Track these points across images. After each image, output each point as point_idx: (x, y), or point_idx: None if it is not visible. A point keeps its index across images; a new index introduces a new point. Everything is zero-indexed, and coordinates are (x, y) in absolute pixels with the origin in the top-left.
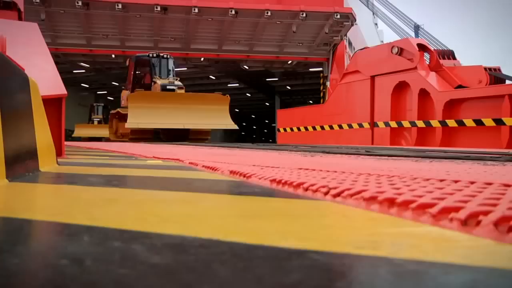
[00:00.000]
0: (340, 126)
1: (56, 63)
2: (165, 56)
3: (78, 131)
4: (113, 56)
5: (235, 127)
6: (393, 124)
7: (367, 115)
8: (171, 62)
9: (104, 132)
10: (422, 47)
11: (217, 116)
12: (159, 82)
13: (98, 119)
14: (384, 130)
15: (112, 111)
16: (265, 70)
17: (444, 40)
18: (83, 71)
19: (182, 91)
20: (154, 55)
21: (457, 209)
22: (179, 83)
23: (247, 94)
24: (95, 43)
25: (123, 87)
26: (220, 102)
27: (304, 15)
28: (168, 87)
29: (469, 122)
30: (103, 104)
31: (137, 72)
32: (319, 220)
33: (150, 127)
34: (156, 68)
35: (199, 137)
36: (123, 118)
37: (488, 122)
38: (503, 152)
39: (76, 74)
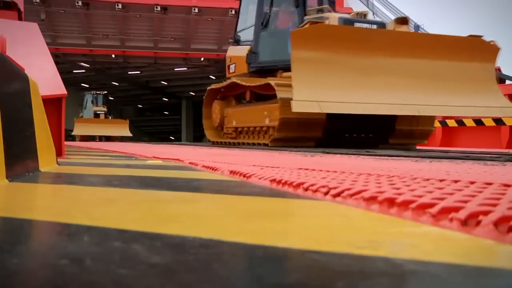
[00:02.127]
0: None
1: (56, 63)
2: None
3: (80, 129)
4: (113, 56)
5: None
6: None
7: None
8: None
9: (116, 129)
10: None
11: (479, 88)
12: (336, 15)
13: (103, 112)
14: None
15: (217, 85)
16: None
17: None
18: (83, 71)
19: (406, 27)
20: None
21: (457, 209)
22: (377, 19)
23: None
24: (95, 43)
25: (230, 41)
26: (480, 55)
27: None
28: (357, 24)
29: (469, 122)
30: (104, 92)
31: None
32: (319, 220)
33: (344, 111)
34: None
35: (409, 139)
36: (238, 98)
37: (488, 122)
38: (503, 152)
39: (76, 74)
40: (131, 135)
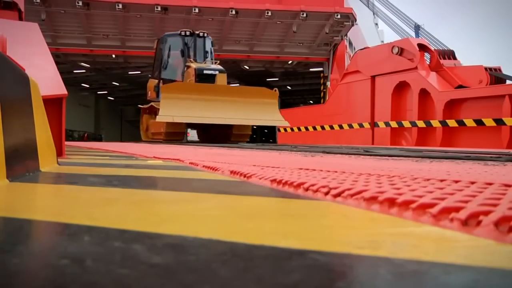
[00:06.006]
0: (341, 126)
1: (57, 63)
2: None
3: (172, 107)
4: (113, 56)
5: (286, 123)
6: (394, 124)
7: (367, 115)
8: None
9: (259, 111)
10: (423, 47)
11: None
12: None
13: (216, 72)
14: (385, 130)
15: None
16: (266, 70)
17: (444, 40)
18: (84, 71)
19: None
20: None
21: (457, 209)
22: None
23: None
24: (96, 43)
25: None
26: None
27: (305, 15)
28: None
29: (469, 122)
30: (204, 33)
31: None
32: (320, 220)
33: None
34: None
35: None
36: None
37: (489, 122)
38: (503, 152)
39: (76, 74)
40: (287, 123)
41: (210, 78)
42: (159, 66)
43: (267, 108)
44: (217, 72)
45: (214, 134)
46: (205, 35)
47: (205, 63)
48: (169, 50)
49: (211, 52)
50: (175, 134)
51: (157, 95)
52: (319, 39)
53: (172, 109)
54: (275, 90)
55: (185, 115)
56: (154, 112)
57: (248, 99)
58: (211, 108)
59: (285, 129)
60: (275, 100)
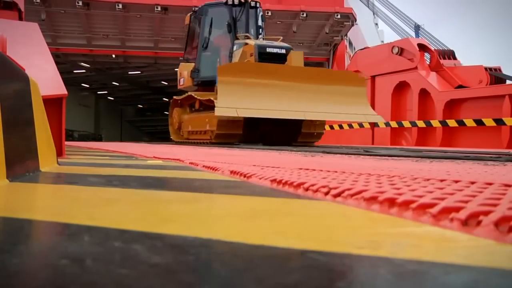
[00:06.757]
0: (341, 126)
1: (57, 63)
2: (252, 4)
3: (233, 97)
4: (113, 56)
5: (381, 119)
6: (394, 124)
7: None
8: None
9: (347, 104)
10: (423, 47)
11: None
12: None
13: (284, 50)
14: (385, 130)
15: (177, 97)
16: None
17: (444, 40)
18: (84, 71)
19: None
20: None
21: (457, 209)
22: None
23: None
24: (96, 43)
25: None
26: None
27: (305, 15)
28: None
29: (469, 122)
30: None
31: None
32: (320, 220)
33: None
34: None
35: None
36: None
37: (489, 122)
38: (503, 152)
39: (76, 74)
40: (381, 118)
41: (275, 59)
42: (191, 45)
43: (355, 98)
44: (283, 51)
45: (271, 133)
46: (257, 5)
47: (263, 39)
48: (211, 25)
49: (263, 29)
50: (228, 136)
51: (195, 79)
52: (319, 39)
53: (233, 99)
54: (362, 74)
55: (251, 107)
56: (189, 104)
57: (332, 85)
58: (285, 97)
59: None
60: (364, 87)
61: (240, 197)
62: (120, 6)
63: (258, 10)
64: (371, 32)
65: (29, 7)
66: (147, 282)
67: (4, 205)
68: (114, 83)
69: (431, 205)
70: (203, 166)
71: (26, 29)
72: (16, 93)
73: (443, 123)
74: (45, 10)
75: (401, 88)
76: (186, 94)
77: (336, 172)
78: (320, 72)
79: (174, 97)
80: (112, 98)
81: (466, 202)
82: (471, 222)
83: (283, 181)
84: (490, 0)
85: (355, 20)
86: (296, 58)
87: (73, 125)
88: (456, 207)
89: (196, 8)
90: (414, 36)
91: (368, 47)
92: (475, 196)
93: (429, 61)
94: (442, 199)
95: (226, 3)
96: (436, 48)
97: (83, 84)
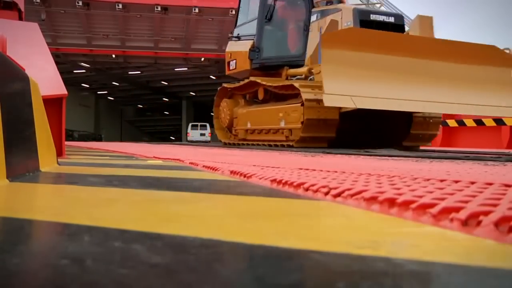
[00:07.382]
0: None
1: (57, 63)
2: None
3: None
4: (113, 56)
5: None
6: None
7: None
8: None
9: None
10: None
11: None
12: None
13: None
14: None
15: (226, 85)
16: None
17: None
18: (84, 71)
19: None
20: None
21: (457, 209)
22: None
23: None
24: (96, 43)
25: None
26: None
27: None
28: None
29: (469, 122)
30: None
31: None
32: (320, 220)
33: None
34: None
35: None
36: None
37: (489, 122)
38: (503, 152)
39: (76, 74)
40: None
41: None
42: (244, 17)
43: (501, 85)
44: (391, 19)
45: (368, 134)
46: None
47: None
48: None
49: None
50: (317, 140)
51: (254, 61)
52: None
53: (345, 83)
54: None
55: (370, 94)
56: (244, 95)
57: (473, 65)
58: (415, 82)
59: None
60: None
61: (240, 197)
62: (120, 6)
63: None
64: None
65: (29, 7)
66: (147, 282)
67: (4, 205)
68: (114, 83)
69: (431, 205)
70: (203, 166)
71: (26, 29)
72: (16, 93)
73: (443, 123)
74: (45, 10)
75: None
76: (247, 81)
77: (336, 172)
78: (459, 47)
79: (224, 84)
80: (112, 98)
81: (466, 202)
82: (471, 222)
83: (283, 181)
84: (490, 0)
85: None
86: (424, 27)
87: (73, 125)
88: (456, 207)
89: None
90: None
91: None
92: (475, 196)
93: None
94: (442, 199)
95: None
96: None
97: (83, 84)
